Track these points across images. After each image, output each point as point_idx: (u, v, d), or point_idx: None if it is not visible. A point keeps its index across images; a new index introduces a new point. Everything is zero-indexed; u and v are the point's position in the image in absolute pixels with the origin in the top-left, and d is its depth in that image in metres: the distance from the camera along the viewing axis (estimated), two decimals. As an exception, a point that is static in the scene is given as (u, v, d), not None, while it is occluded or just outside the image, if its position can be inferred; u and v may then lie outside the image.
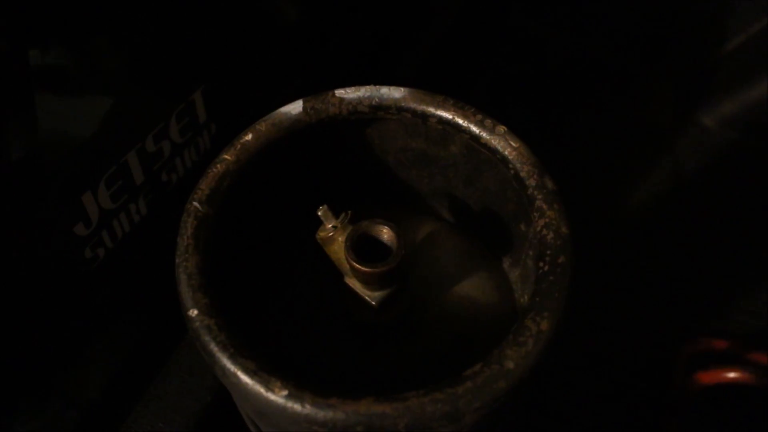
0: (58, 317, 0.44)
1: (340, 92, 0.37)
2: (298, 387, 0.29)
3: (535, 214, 0.34)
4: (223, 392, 0.44)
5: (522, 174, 0.35)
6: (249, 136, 0.36)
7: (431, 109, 0.37)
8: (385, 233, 0.34)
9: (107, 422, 0.46)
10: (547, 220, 0.33)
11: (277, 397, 0.28)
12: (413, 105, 0.37)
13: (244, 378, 0.29)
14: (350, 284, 0.36)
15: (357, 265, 0.33)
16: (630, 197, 0.77)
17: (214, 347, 0.30)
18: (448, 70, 0.74)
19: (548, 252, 0.32)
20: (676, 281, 0.70)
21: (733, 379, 0.61)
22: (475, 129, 0.36)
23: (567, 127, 0.83)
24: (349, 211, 0.36)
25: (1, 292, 0.39)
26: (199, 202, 0.34)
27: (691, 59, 0.89)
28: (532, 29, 0.89)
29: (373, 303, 0.36)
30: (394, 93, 0.37)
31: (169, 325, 0.45)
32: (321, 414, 0.28)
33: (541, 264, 0.32)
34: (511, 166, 0.35)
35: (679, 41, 0.89)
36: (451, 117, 0.36)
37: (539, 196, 0.34)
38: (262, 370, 0.29)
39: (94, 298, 0.46)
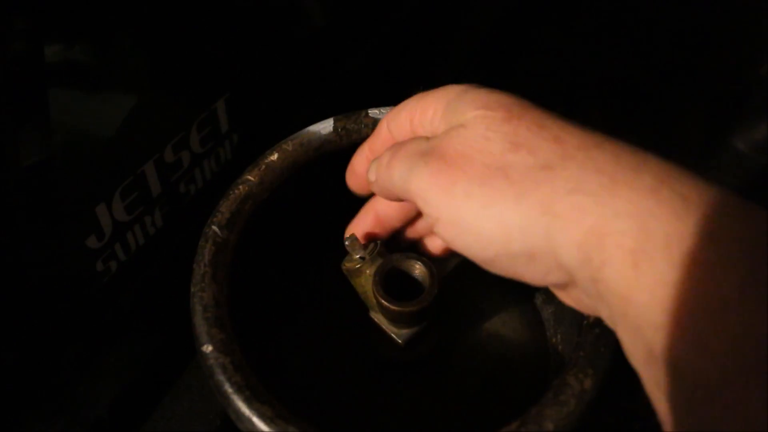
0: (67, 332, 0.42)
1: (373, 112, 0.35)
2: (317, 439, 0.26)
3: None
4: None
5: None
6: (274, 156, 0.34)
7: (470, 135, 0.34)
8: (417, 269, 0.32)
9: (113, 442, 0.45)
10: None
11: (295, 448, 0.26)
12: (451, 130, 0.34)
13: (260, 425, 0.27)
14: (376, 319, 0.34)
15: (386, 303, 0.31)
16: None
17: (228, 388, 0.28)
18: (476, 82, 0.72)
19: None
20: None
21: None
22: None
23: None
24: (378, 242, 0.33)
25: (9, 305, 0.38)
26: (219, 227, 0.32)
27: (725, 81, 0.86)
28: (563, 46, 0.87)
29: (400, 341, 0.33)
30: (431, 116, 0.35)
31: (180, 344, 0.43)
32: (342, 470, 0.26)
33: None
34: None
35: (714, 63, 0.87)
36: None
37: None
38: (279, 417, 0.27)
39: (103, 313, 0.44)
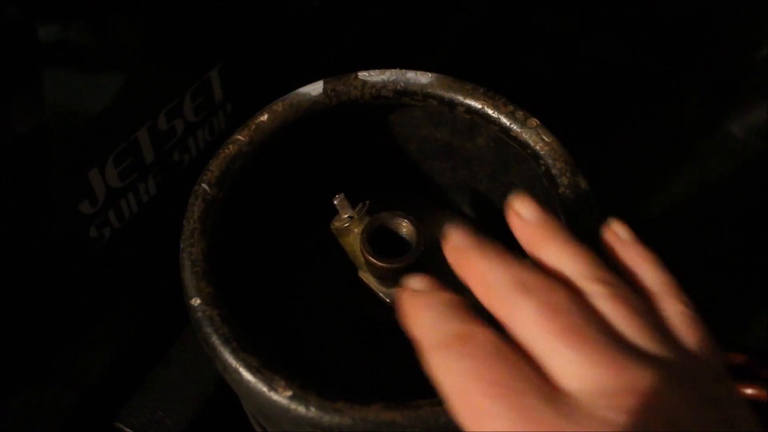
0: (60, 297, 0.43)
1: (363, 74, 0.35)
2: (303, 388, 0.27)
3: (566, 216, 0.31)
4: (227, 383, 0.42)
5: (554, 171, 0.32)
6: (264, 117, 0.34)
7: (459, 98, 0.34)
8: (404, 227, 0.32)
9: (106, 407, 0.45)
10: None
11: (281, 397, 0.27)
12: (440, 92, 0.35)
13: (246, 375, 0.27)
14: (364, 279, 0.34)
15: (372, 260, 0.31)
16: (653, 203, 0.75)
17: (215, 340, 0.28)
18: (471, 66, 0.72)
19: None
20: (695, 290, 0.67)
21: (749, 396, 0.58)
22: (505, 121, 0.34)
23: (590, 129, 0.80)
24: (367, 201, 0.34)
25: (2, 270, 0.38)
26: (208, 185, 0.32)
27: (721, 66, 0.86)
28: (559, 27, 0.87)
29: (388, 300, 0.34)
30: (420, 78, 0.35)
31: (173, 311, 0.44)
32: (326, 418, 0.26)
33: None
34: (542, 162, 0.33)
35: (709, 47, 0.87)
36: (480, 107, 0.34)
37: (571, 197, 0.31)
38: (265, 368, 0.27)
39: (97, 279, 0.44)
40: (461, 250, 0.27)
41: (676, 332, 0.24)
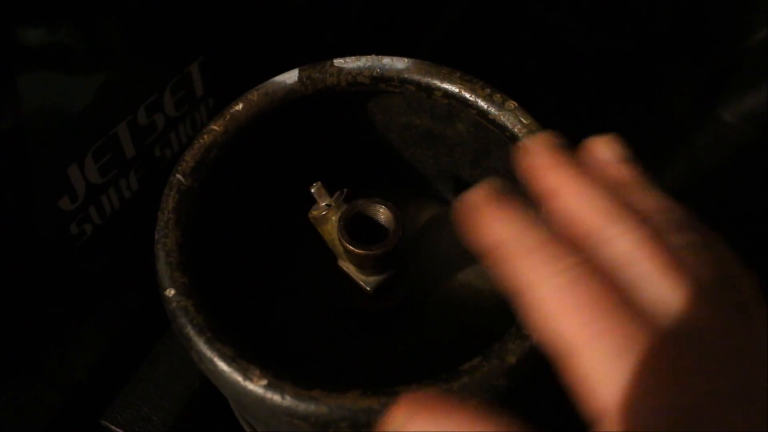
0: (43, 295, 0.42)
1: (338, 61, 0.35)
2: (278, 377, 0.26)
3: (545, 196, 0.31)
4: (212, 379, 0.42)
5: (532, 153, 0.32)
6: (239, 106, 0.34)
7: (436, 82, 0.34)
8: (382, 213, 0.32)
9: (91, 405, 0.44)
10: (557, 203, 0.31)
11: (256, 386, 0.26)
12: (417, 77, 0.34)
13: (221, 365, 0.27)
14: (344, 268, 0.34)
15: (350, 247, 0.31)
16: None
17: (190, 330, 0.28)
18: (461, 60, 0.71)
19: (558, 238, 0.30)
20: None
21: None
22: (483, 104, 0.33)
23: (584, 118, 0.80)
24: (345, 189, 0.33)
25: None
26: (183, 175, 0.32)
27: (713, 53, 0.86)
28: (551, 18, 0.87)
29: (368, 288, 0.33)
30: (397, 63, 0.34)
31: (157, 308, 0.43)
32: (302, 407, 0.26)
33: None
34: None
35: (701, 35, 0.86)
36: (457, 90, 0.34)
37: (550, 177, 0.31)
38: (240, 357, 0.27)
39: (80, 277, 0.44)
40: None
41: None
